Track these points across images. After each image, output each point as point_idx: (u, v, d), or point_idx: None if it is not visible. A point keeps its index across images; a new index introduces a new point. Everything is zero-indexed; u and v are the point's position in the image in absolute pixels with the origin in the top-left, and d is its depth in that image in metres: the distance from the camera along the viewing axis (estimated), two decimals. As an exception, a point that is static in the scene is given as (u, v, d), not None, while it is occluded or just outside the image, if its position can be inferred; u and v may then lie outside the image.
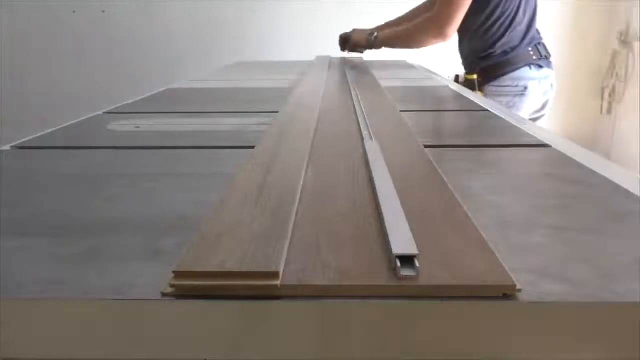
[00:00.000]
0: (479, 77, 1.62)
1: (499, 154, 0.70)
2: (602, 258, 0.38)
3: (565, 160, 0.65)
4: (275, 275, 0.33)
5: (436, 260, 0.35)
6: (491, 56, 1.61)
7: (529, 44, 1.59)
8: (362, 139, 0.68)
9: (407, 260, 0.34)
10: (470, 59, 1.67)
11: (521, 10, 1.58)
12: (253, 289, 0.32)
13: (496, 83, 1.59)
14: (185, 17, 3.24)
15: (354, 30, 1.94)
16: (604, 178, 0.57)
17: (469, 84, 1.62)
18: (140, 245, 0.41)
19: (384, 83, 1.31)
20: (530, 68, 1.58)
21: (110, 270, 0.36)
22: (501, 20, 1.58)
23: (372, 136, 0.70)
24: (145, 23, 3.24)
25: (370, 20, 2.08)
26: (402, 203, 0.44)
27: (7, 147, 0.73)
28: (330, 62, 1.92)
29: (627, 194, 0.51)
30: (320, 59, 2.06)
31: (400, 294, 0.32)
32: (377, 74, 1.53)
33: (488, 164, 0.66)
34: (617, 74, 3.20)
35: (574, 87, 3.22)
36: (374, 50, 1.87)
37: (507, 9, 1.57)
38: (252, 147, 0.64)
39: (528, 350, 0.32)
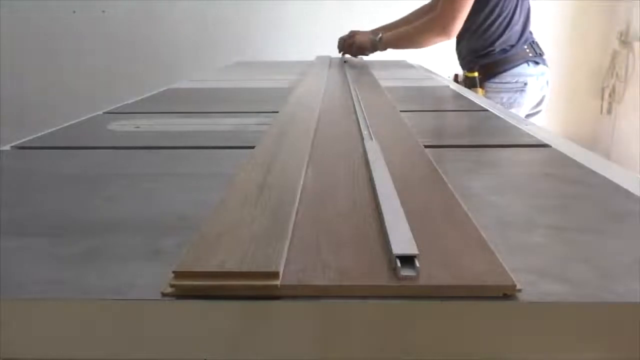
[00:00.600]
0: (479, 74, 1.64)
1: (499, 154, 0.70)
2: (602, 258, 0.38)
3: (565, 160, 0.65)
4: (275, 275, 0.33)
5: (436, 260, 0.35)
6: (491, 54, 1.64)
7: (524, 42, 1.64)
8: (362, 139, 0.68)
9: (407, 260, 0.34)
10: (469, 57, 1.70)
11: (517, 10, 1.62)
12: (253, 289, 0.32)
13: (496, 80, 1.63)
14: (186, 17, 3.24)
15: (356, 33, 1.93)
16: (604, 178, 0.57)
17: (470, 82, 1.64)
18: (140, 245, 0.41)
19: (384, 83, 1.31)
20: (528, 65, 1.63)
21: (110, 270, 0.36)
22: (499, 20, 1.62)
23: (372, 136, 0.70)
24: (146, 23, 3.24)
25: (371, 20, 2.09)
26: (402, 203, 0.44)
27: (7, 147, 0.73)
28: (330, 62, 1.92)
29: (627, 194, 0.51)
30: (320, 58, 2.06)
31: (400, 294, 0.32)
32: (377, 74, 1.53)
33: (488, 164, 0.66)
34: (617, 74, 3.20)
35: (574, 87, 3.22)
36: (376, 53, 1.88)
37: (505, 9, 1.61)
38: (252, 147, 0.64)
39: (528, 350, 0.32)
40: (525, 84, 1.61)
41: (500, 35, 1.62)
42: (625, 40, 3.13)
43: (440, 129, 0.93)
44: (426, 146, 0.65)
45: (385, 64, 1.92)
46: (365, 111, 0.87)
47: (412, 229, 0.38)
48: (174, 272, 0.33)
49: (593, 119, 3.35)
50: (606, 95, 3.28)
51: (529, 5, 1.66)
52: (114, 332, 0.32)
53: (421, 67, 2.01)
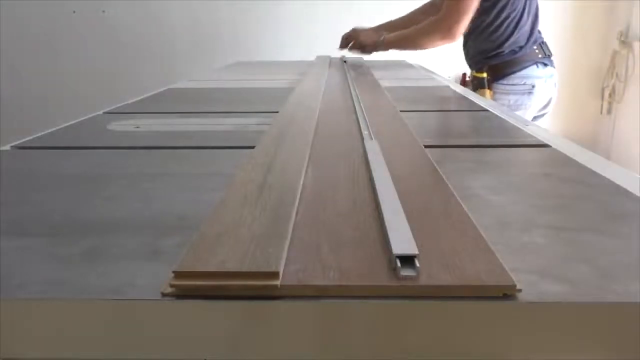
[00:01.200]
0: (487, 75, 1.63)
1: (499, 154, 0.70)
2: (602, 258, 0.38)
3: (565, 160, 0.65)
4: (275, 275, 0.33)
5: (436, 260, 0.35)
6: (499, 55, 1.62)
7: (534, 43, 1.62)
8: (362, 139, 0.68)
9: (407, 260, 0.34)
10: (478, 57, 1.68)
11: (526, 10, 1.60)
12: (253, 289, 0.32)
13: (505, 81, 1.61)
14: (186, 17, 3.24)
15: (359, 30, 1.93)
16: (604, 178, 0.57)
17: (478, 82, 1.63)
18: (140, 245, 0.41)
19: (384, 83, 1.31)
20: (537, 66, 1.61)
21: (110, 270, 0.36)
22: (508, 21, 1.59)
23: (372, 136, 0.70)
24: (145, 23, 3.24)
25: (370, 20, 2.08)
26: (402, 203, 0.44)
27: (7, 147, 0.73)
28: (330, 62, 1.92)
29: (627, 194, 0.52)
30: (320, 58, 2.06)
31: (400, 294, 0.32)
32: (377, 74, 1.53)
33: (488, 164, 0.66)
34: (617, 74, 3.20)
35: (574, 87, 3.22)
36: (378, 53, 1.87)
37: (514, 10, 1.59)
38: (252, 147, 0.64)
39: (528, 350, 0.32)
40: (533, 86, 1.59)
41: (509, 37, 1.59)
42: (625, 40, 3.14)
43: (441, 129, 0.93)
44: (426, 146, 0.65)
45: (386, 64, 1.92)
46: (366, 111, 0.87)
47: (412, 229, 0.38)
48: (174, 272, 0.33)
49: (593, 119, 3.35)
50: (606, 95, 3.28)
51: (537, 4, 1.64)
52: (114, 332, 0.32)
53: (421, 67, 2.01)
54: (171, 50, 3.25)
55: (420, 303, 0.32)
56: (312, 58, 2.11)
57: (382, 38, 1.79)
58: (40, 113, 2.90)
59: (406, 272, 0.33)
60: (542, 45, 1.63)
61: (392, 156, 0.59)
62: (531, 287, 0.33)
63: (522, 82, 1.59)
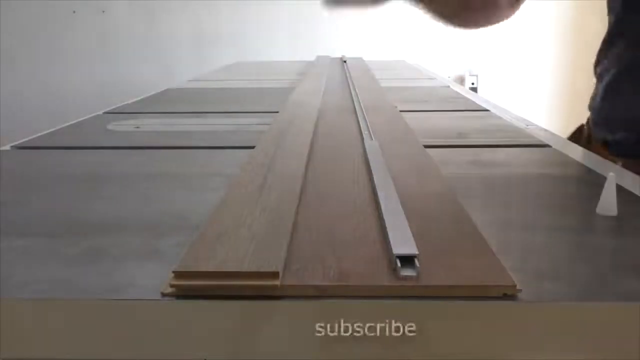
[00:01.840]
0: None
1: (499, 153, 0.70)
2: (602, 258, 0.38)
3: (565, 160, 0.65)
4: (275, 275, 0.33)
5: (436, 260, 0.35)
6: None
7: None
8: (362, 138, 0.68)
9: (407, 260, 0.34)
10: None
11: None
12: (253, 289, 0.32)
13: None
14: (186, 17, 3.24)
15: None
16: (604, 178, 0.57)
17: None
18: (140, 245, 0.41)
19: (384, 83, 1.31)
20: None
21: (110, 270, 0.36)
22: None
23: (372, 136, 0.70)
24: (145, 23, 3.24)
25: (371, 20, 2.08)
26: (402, 203, 0.44)
27: (7, 147, 0.73)
28: (330, 62, 1.92)
29: (627, 193, 0.51)
30: (320, 58, 2.06)
31: (400, 294, 0.32)
32: (377, 74, 1.53)
33: (488, 164, 0.66)
34: (617, 74, 3.19)
35: (574, 87, 3.21)
36: (376, 53, 1.83)
37: None
38: (252, 147, 0.64)
39: (528, 350, 0.32)
40: None
41: None
42: (625, 40, 3.13)
43: (441, 128, 0.93)
44: (426, 146, 0.65)
45: (386, 64, 1.92)
46: (366, 111, 0.87)
47: (412, 229, 0.38)
48: (174, 272, 0.33)
49: (593, 119, 3.34)
50: (606, 96, 3.28)
51: None
52: (114, 332, 0.32)
53: (421, 67, 2.01)
54: (171, 50, 3.25)
55: (420, 303, 0.32)
56: (312, 58, 2.11)
57: None
58: (40, 113, 2.90)
59: (406, 272, 0.33)
60: None
61: (392, 156, 0.59)
62: (531, 287, 0.33)
63: None
